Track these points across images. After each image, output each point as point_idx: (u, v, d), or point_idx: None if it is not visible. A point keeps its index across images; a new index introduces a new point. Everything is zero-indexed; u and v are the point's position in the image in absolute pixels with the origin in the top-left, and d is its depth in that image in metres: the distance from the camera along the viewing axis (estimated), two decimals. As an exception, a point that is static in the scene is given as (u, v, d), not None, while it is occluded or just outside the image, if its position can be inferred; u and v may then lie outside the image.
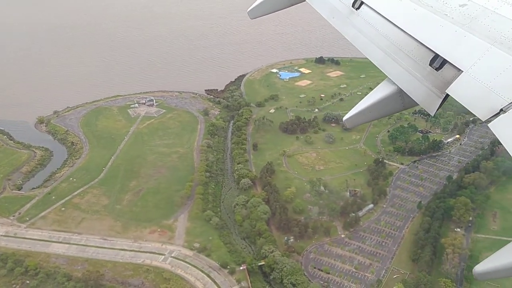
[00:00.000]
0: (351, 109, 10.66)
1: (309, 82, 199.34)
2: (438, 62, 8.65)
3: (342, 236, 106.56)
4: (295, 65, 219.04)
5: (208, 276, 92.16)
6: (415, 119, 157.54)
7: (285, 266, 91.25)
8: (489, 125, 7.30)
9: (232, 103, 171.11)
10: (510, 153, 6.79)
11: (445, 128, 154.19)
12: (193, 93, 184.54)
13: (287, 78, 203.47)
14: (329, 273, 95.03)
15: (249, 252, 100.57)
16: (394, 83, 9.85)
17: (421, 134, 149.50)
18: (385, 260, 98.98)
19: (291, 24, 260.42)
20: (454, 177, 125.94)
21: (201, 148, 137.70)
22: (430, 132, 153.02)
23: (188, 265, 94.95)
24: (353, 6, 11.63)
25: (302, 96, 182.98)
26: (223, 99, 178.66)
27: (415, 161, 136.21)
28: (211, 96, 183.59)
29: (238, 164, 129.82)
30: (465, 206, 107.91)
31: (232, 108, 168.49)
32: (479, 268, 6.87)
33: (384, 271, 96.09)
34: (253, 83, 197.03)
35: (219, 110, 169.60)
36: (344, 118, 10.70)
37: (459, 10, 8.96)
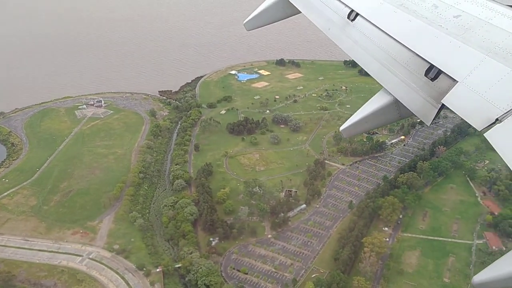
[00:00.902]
0: (347, 119, 10.58)
1: (266, 83, 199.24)
2: (433, 73, 8.65)
3: (269, 236, 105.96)
4: (255, 67, 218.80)
5: (122, 278, 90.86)
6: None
7: (200, 268, 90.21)
8: (485, 134, 7.21)
9: (183, 104, 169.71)
10: (506, 162, 6.69)
11: (391, 129, 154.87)
12: (146, 94, 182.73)
13: (245, 79, 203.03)
14: (247, 274, 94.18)
15: (171, 254, 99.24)
16: (390, 93, 9.87)
17: (366, 135, 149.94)
18: (307, 260, 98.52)
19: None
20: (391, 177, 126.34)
21: (140, 149, 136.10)
22: (376, 133, 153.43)
23: (104, 266, 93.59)
24: (348, 17, 11.66)
25: (256, 97, 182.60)
26: (175, 100, 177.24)
27: (356, 162, 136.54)
28: (164, 97, 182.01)
29: (175, 165, 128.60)
30: (392, 206, 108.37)
31: (182, 109, 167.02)
32: (478, 278, 6.50)
33: (303, 270, 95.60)
34: (209, 85, 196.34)
35: (169, 111, 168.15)
36: (341, 128, 10.60)
37: (453, 21, 9.00)
